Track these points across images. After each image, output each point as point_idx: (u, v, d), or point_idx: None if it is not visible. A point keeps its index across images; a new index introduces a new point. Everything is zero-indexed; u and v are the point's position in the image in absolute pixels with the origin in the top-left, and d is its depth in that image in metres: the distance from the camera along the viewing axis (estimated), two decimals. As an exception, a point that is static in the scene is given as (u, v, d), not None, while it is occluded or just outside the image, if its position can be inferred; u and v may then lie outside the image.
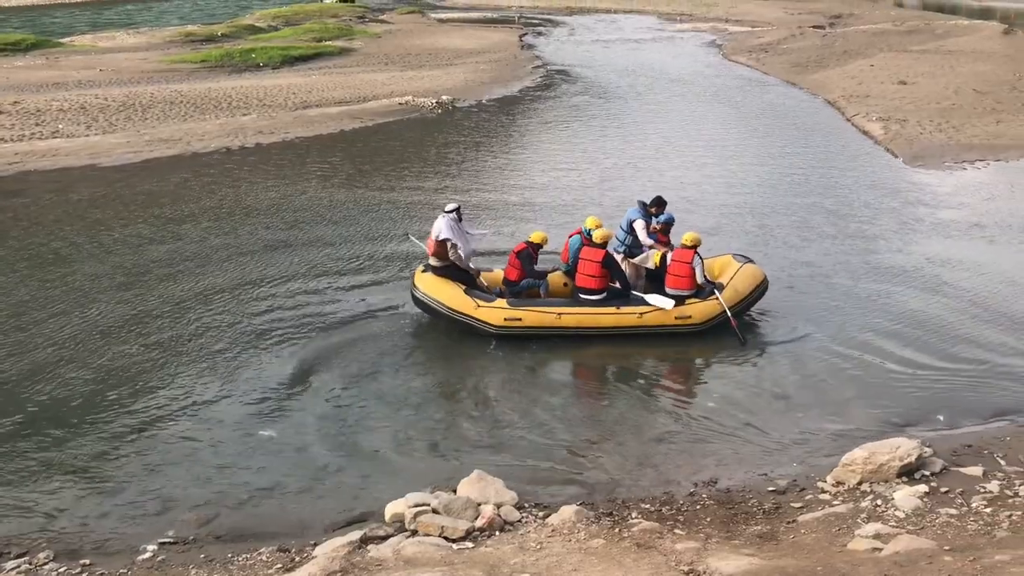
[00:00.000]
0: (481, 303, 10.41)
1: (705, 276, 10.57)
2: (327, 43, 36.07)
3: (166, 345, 10.19)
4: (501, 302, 10.45)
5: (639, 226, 11.18)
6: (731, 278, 10.66)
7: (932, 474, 7.32)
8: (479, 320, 10.34)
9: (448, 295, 10.47)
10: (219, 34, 39.08)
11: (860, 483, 7.24)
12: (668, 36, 41.45)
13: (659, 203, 11.45)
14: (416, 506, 6.79)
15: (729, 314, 10.31)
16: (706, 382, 9.75)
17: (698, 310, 10.41)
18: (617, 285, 10.56)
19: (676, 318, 10.37)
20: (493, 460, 7.96)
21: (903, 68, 28.14)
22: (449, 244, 10.52)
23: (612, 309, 10.39)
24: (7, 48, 33.61)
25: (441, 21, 47.39)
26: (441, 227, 10.55)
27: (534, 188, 16.81)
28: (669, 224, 11.26)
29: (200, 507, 7.31)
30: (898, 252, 13.30)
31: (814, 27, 40.99)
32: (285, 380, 9.44)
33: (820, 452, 8.09)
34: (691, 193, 16.11)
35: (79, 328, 10.57)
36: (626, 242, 11.22)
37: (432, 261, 10.71)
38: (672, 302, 10.39)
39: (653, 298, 10.48)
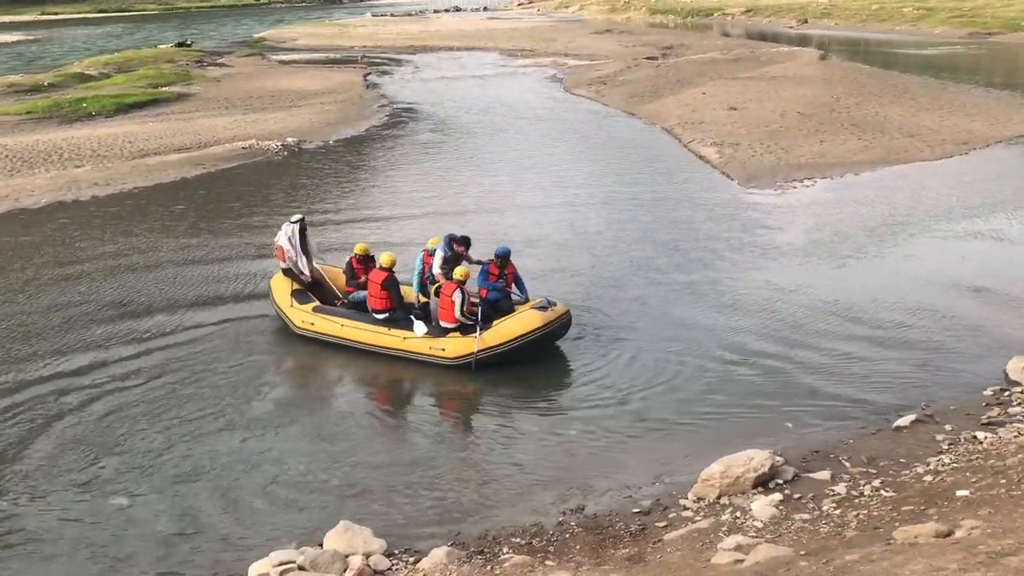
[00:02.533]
0: (295, 304, 11.55)
1: (464, 313, 10.72)
2: (164, 89, 34.91)
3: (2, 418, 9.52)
4: (309, 306, 11.44)
5: (437, 257, 11.55)
6: (506, 320, 10.87)
7: (785, 482, 7.65)
8: (288, 319, 11.58)
9: (278, 293, 11.94)
10: (45, 83, 37.16)
11: (719, 497, 7.48)
12: (511, 72, 42.28)
13: (466, 243, 11.75)
14: (280, 565, 6.57)
15: (475, 357, 10.52)
16: (563, 408, 9.85)
17: (452, 345, 10.68)
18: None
19: (431, 348, 10.74)
20: (358, 507, 7.80)
21: (733, 94, 29.67)
22: (284, 250, 11.79)
23: (384, 329, 10.96)
24: None
25: (282, 63, 46.74)
26: (279, 234, 11.94)
27: (381, 223, 16.81)
28: (505, 256, 11.39)
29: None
30: (734, 270, 13.93)
31: (648, 58, 42.73)
32: (131, 441, 8.97)
33: (679, 470, 8.31)
34: (530, 228, 16.34)
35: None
36: (419, 271, 11.77)
37: (281, 264, 12.04)
38: (424, 330, 10.79)
39: (416, 325, 10.91)
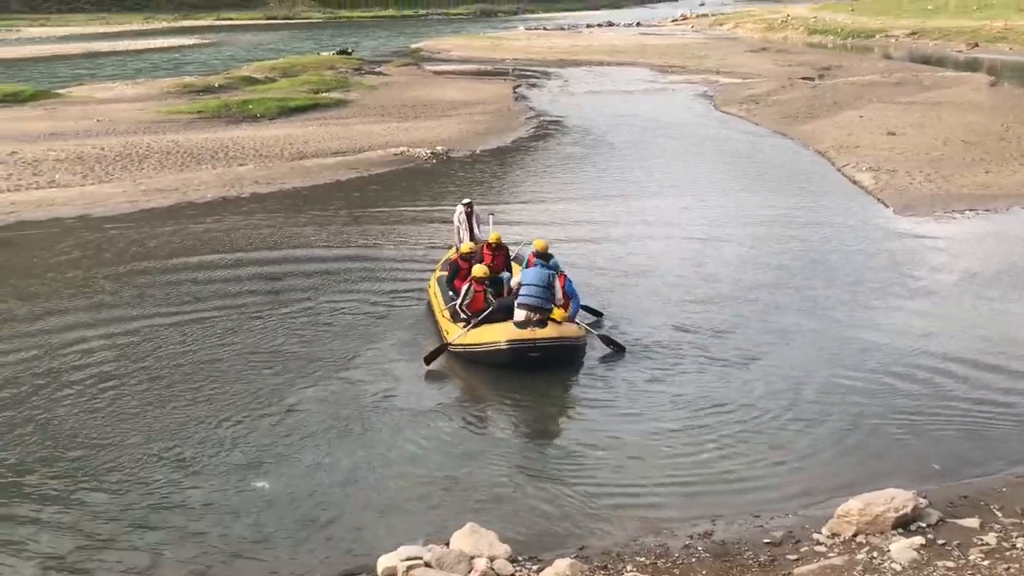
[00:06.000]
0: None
1: (463, 306, 11.44)
2: (324, 94, 36.46)
3: (154, 396, 10.14)
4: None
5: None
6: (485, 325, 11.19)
7: (928, 526, 7.28)
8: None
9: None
10: (216, 85, 39.50)
11: (856, 535, 7.19)
12: (660, 88, 42.00)
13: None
14: (408, 560, 6.72)
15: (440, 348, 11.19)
16: (697, 429, 9.66)
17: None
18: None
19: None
20: (487, 511, 7.90)
21: (892, 119, 28.51)
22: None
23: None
24: (6, 99, 33.93)
25: (436, 73, 47.98)
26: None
27: (517, 231, 16.94)
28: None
29: (191, 562, 7.23)
30: (883, 299, 13.34)
31: (803, 79, 41.57)
32: (278, 428, 9.39)
33: (814, 502, 8.04)
34: (665, 248, 16.15)
35: (61, 381, 10.52)
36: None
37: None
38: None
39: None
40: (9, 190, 20.05)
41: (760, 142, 27.52)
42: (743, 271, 14.78)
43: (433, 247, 15.78)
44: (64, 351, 11.34)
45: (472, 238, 13.55)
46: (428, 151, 24.87)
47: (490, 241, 12.85)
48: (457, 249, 13.03)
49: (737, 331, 12.13)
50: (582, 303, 12.31)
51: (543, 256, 11.55)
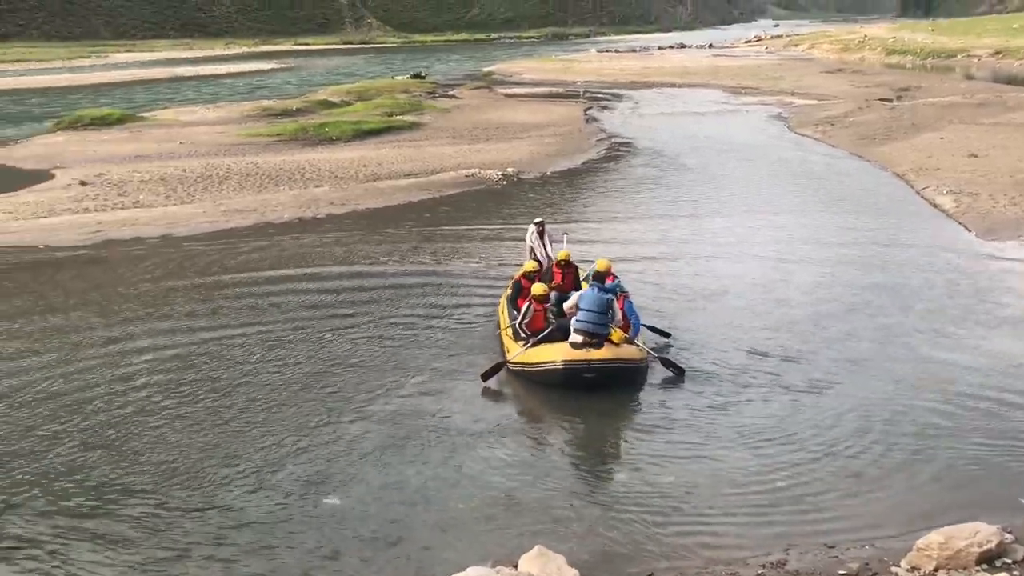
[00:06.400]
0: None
1: (522, 325, 11.67)
2: (398, 117, 37.05)
3: (225, 410, 10.36)
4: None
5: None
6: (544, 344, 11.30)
7: (1014, 562, 7.01)
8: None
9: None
10: (294, 108, 40.47)
11: (936, 569, 6.96)
12: (732, 109, 41.61)
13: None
14: (478, 581, 6.73)
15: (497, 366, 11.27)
16: (769, 454, 9.46)
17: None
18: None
19: None
20: (553, 533, 7.86)
21: (974, 141, 27.73)
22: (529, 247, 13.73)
23: None
24: (95, 122, 35.28)
25: (508, 96, 48.37)
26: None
27: (594, 253, 16.89)
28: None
29: None
30: (975, 328, 12.93)
31: (881, 100, 40.74)
32: (346, 445, 9.51)
33: (892, 534, 7.81)
34: (735, 271, 15.93)
35: (137, 394, 10.83)
36: None
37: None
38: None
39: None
40: (96, 210, 20.81)
41: (836, 164, 27.04)
42: (816, 296, 14.48)
43: (504, 266, 15.87)
44: (141, 365, 11.68)
45: (545, 256, 13.65)
46: (499, 172, 25.06)
47: (560, 259, 12.91)
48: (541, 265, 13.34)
49: (809, 358, 11.88)
50: (648, 324, 12.25)
51: (599, 279, 11.54)
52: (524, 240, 14.31)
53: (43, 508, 8.35)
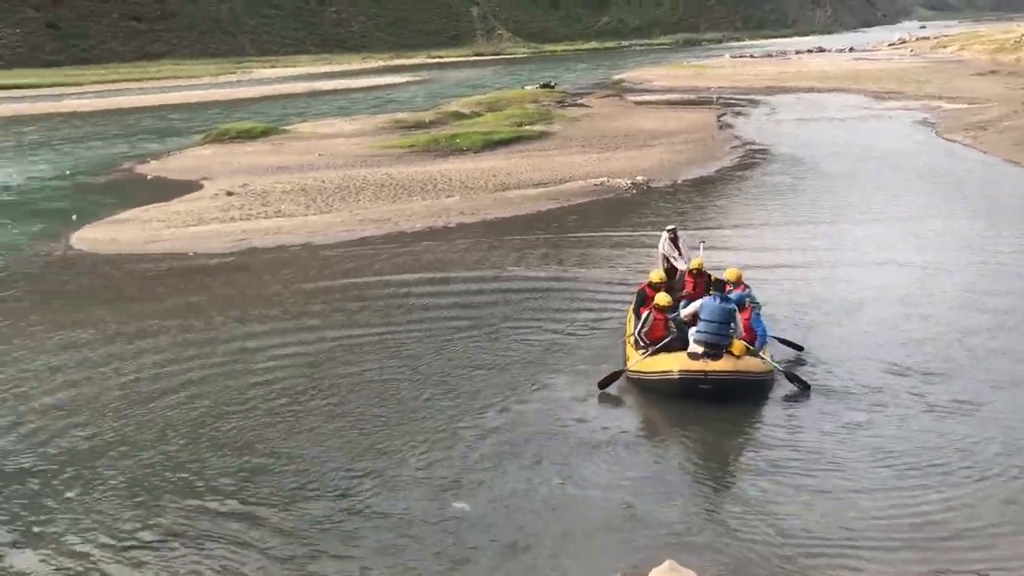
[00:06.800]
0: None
1: (641, 334, 11.62)
2: (527, 127, 37.33)
3: (356, 412, 10.61)
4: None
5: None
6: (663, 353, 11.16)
7: None
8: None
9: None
10: (427, 120, 41.37)
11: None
12: (875, 114, 40.01)
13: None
14: (606, 593, 6.64)
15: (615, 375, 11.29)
16: (910, 474, 8.93)
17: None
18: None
19: None
20: (682, 547, 7.68)
21: None
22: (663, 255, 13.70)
23: None
24: (240, 135, 37.05)
25: (637, 103, 48.03)
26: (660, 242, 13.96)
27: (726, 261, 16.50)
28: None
29: (394, 576, 7.48)
30: None
31: (1039, 102, 38.34)
32: (473, 450, 9.58)
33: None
34: (874, 286, 15.18)
35: (278, 396, 11.20)
36: None
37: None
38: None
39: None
40: (242, 219, 21.79)
41: (989, 171, 25.58)
42: (963, 311, 13.66)
43: (633, 274, 15.70)
44: (277, 367, 12.09)
45: (678, 263, 13.56)
46: (628, 181, 24.86)
47: (692, 268, 12.69)
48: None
49: (953, 376, 11.21)
50: (779, 336, 11.86)
51: (719, 287, 11.31)
52: (656, 248, 14.19)
53: (181, 504, 8.75)
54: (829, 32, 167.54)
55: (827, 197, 22.75)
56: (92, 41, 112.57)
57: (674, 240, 13.82)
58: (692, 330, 10.99)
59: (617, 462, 9.39)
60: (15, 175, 31.33)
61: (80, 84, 79.81)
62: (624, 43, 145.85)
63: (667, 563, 7.04)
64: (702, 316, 10.85)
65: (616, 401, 10.95)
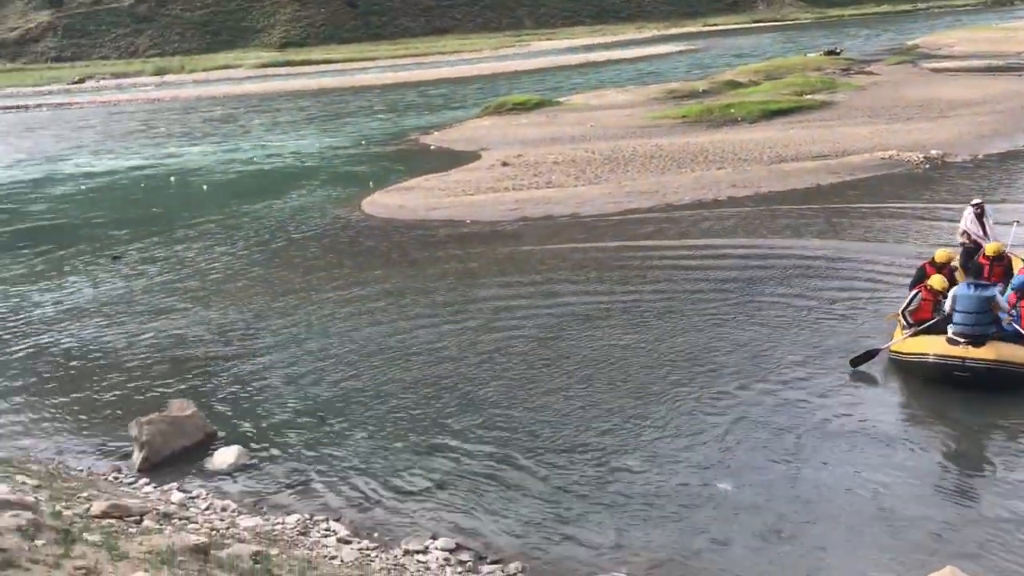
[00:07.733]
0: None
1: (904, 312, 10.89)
2: (807, 97, 35.53)
3: (631, 384, 10.64)
4: None
5: None
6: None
7: None
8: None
9: None
10: (700, 90, 40.53)
11: None
12: None
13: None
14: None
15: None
16: None
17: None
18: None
19: None
20: (967, 556, 7.06)
21: None
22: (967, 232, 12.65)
23: None
24: (516, 107, 38.27)
25: (934, 71, 44.17)
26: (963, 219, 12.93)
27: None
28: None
29: (651, 550, 7.48)
30: None
31: None
32: (733, 431, 9.34)
33: None
34: None
35: (546, 363, 11.49)
36: None
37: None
38: None
39: None
40: (514, 189, 22.54)
41: None
42: None
43: (917, 249, 14.58)
44: (548, 330, 12.45)
45: (984, 240, 12.47)
46: (921, 155, 22.97)
47: (987, 252, 11.49)
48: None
49: None
50: None
51: (975, 272, 10.67)
52: (957, 223, 13.20)
53: (442, 458, 9.24)
54: None
55: None
56: (386, 18, 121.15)
57: (980, 216, 12.71)
58: (952, 321, 10.17)
59: (879, 456, 8.77)
60: (316, 144, 34.43)
61: (373, 59, 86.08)
62: (921, 5, 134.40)
63: (948, 568, 6.50)
64: (956, 307, 10.01)
65: (874, 386, 10.32)
